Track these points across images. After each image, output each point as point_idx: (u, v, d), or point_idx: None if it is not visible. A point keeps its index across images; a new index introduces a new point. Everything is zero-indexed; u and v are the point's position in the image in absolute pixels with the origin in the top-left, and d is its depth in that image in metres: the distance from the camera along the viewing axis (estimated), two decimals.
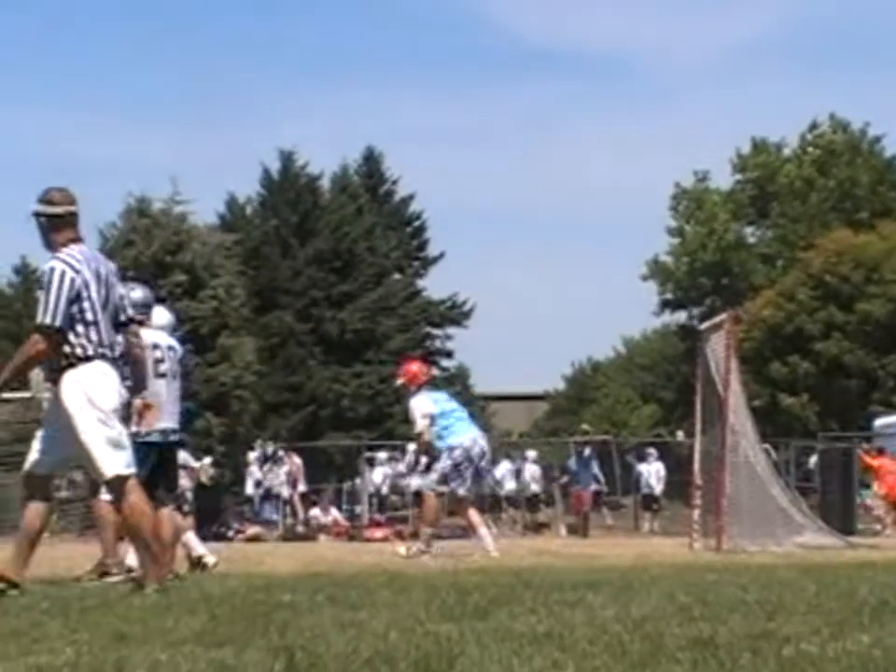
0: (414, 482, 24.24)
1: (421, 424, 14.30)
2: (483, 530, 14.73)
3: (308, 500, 33.01)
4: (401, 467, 32.39)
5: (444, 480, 14.36)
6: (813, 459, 33.41)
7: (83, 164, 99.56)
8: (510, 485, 34.47)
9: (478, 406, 60.82)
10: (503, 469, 35.05)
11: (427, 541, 14.46)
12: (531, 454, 36.06)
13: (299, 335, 49.27)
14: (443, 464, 14.30)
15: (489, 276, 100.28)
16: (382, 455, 34.13)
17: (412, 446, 14.93)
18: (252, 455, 31.36)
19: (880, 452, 28.44)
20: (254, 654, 5.46)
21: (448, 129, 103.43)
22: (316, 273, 50.88)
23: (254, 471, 33.45)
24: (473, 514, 14.88)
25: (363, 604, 7.56)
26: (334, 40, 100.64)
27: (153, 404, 9.72)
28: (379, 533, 27.44)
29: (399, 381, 15.27)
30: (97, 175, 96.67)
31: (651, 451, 33.49)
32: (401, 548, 14.75)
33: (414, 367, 15.25)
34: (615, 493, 39.03)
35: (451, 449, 14.21)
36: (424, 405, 14.48)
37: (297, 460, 32.85)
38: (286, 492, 33.55)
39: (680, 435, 38.83)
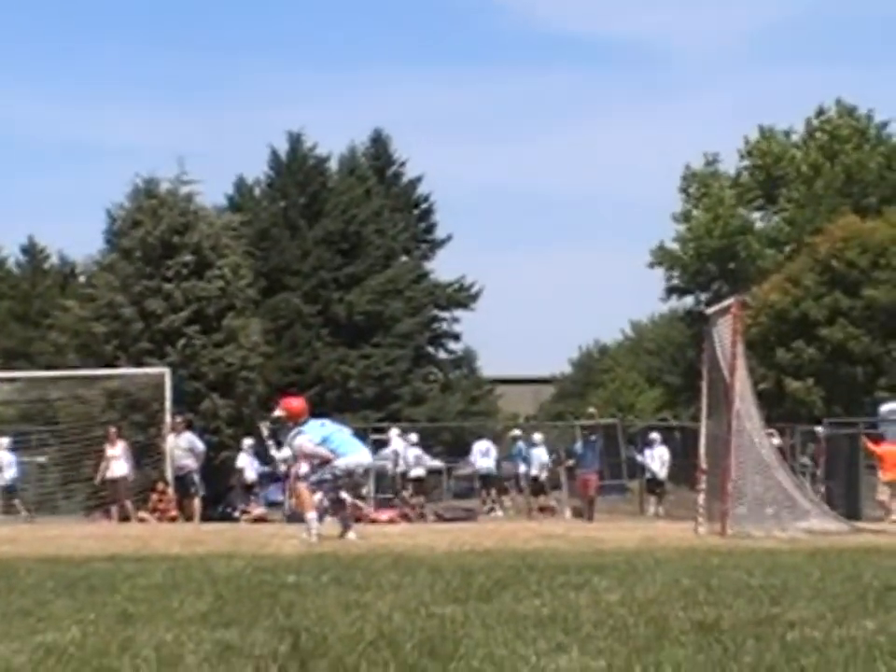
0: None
1: (322, 451, 15.41)
2: (312, 514, 15.50)
3: None
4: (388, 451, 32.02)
5: (318, 485, 15.61)
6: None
7: (92, 145, 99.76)
8: (483, 463, 34.24)
9: (485, 389, 60.88)
10: (477, 449, 34.68)
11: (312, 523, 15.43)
12: (538, 436, 35.54)
13: (306, 317, 49.27)
14: (323, 473, 15.49)
15: (497, 259, 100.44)
16: (413, 437, 33.42)
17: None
18: (246, 443, 30.90)
19: (882, 438, 28.30)
20: (259, 635, 5.48)
21: (456, 111, 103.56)
22: (324, 255, 50.86)
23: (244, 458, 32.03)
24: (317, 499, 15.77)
25: (368, 585, 7.58)
26: (343, 23, 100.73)
27: None
28: (385, 515, 27.41)
29: (279, 413, 16.15)
30: (106, 156, 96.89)
31: (655, 436, 33.34)
32: (304, 534, 15.45)
33: (296, 403, 16.21)
34: (620, 476, 38.99)
35: (335, 466, 15.39)
36: (308, 443, 15.56)
37: None
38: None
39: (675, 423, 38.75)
